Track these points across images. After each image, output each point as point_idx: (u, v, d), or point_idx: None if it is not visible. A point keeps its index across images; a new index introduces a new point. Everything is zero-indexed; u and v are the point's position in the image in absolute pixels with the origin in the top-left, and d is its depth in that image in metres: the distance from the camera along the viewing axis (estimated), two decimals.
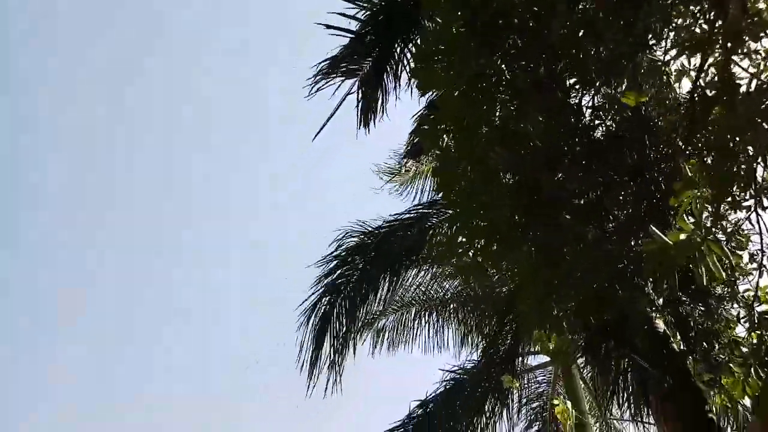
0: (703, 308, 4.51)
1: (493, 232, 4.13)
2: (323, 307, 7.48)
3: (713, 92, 3.16)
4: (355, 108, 6.60)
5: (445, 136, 4.22)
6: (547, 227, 4.11)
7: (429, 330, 9.09)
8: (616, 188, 4.07)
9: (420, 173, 9.56)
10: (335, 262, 7.65)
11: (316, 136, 6.70)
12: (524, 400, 9.37)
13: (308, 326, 7.50)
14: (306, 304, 7.58)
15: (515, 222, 4.15)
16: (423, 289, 8.60)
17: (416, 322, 9.12)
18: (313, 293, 7.57)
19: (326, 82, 6.72)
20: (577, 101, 4.05)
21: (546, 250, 4.11)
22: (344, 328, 7.46)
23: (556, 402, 7.13)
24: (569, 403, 7.07)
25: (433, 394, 7.94)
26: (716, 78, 3.27)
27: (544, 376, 9.54)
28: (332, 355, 7.49)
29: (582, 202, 4.10)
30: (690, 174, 3.00)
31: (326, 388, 7.52)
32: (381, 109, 6.69)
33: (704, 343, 4.41)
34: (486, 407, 7.68)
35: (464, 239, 4.25)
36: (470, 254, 4.32)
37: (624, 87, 3.69)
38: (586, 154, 4.02)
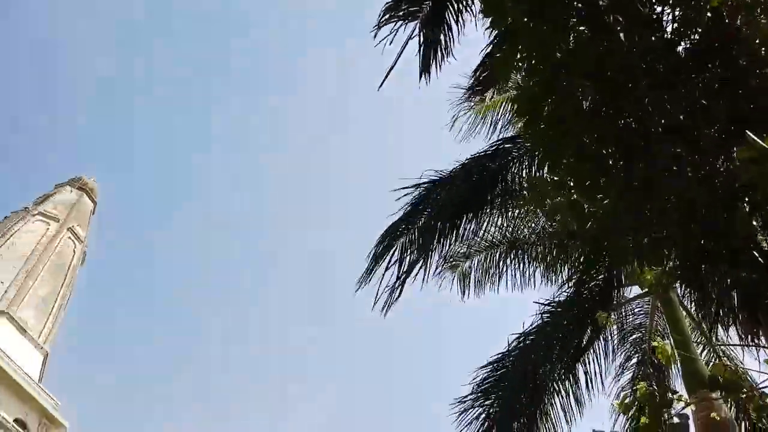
0: None
1: (583, 165, 4.01)
2: (396, 237, 7.30)
3: None
4: (417, 53, 6.41)
5: (519, 65, 4.09)
6: (637, 153, 3.96)
7: (515, 269, 8.99)
8: (705, 105, 3.83)
9: (492, 109, 9.33)
10: (411, 204, 7.51)
11: (380, 86, 6.61)
12: (622, 333, 9.17)
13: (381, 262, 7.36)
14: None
15: (603, 152, 4.02)
16: (508, 228, 8.44)
17: (501, 261, 9.03)
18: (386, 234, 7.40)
19: (394, 25, 6.51)
20: (656, 16, 3.80)
21: (636, 177, 3.97)
22: (420, 266, 7.34)
23: (654, 344, 6.92)
24: (668, 342, 6.86)
25: (530, 328, 7.90)
26: None
27: (642, 307, 9.28)
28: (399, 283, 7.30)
29: (670, 123, 3.89)
30: None
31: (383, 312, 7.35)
32: (444, 51, 6.47)
33: None
34: (583, 341, 7.59)
35: (556, 178, 4.15)
36: (563, 192, 4.22)
37: None
38: (671, 72, 3.79)
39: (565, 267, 8.32)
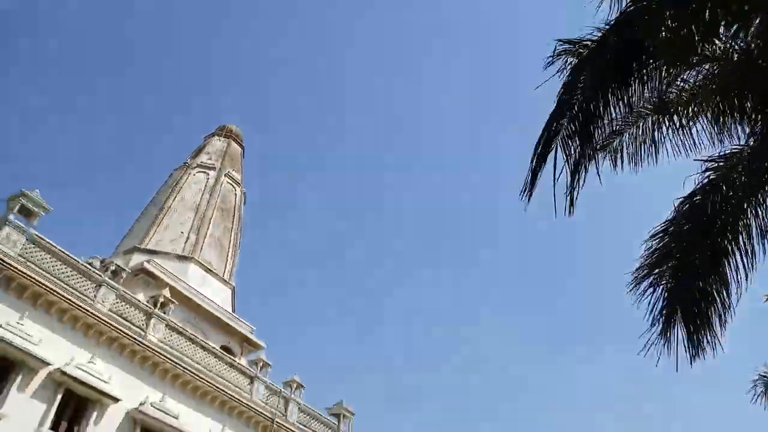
0: None
1: None
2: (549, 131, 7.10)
3: None
4: None
5: None
6: None
7: (673, 134, 8.48)
8: None
9: None
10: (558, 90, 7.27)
11: None
12: None
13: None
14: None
15: None
16: (657, 93, 7.93)
17: (656, 130, 8.55)
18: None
19: None
20: None
21: None
22: (576, 150, 7.14)
23: None
24: None
25: (696, 187, 7.59)
26: None
27: None
28: (566, 178, 7.12)
29: None
30: None
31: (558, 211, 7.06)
32: None
33: None
34: (758, 195, 7.16)
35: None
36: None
37: None
38: None
39: (729, 118, 7.68)
